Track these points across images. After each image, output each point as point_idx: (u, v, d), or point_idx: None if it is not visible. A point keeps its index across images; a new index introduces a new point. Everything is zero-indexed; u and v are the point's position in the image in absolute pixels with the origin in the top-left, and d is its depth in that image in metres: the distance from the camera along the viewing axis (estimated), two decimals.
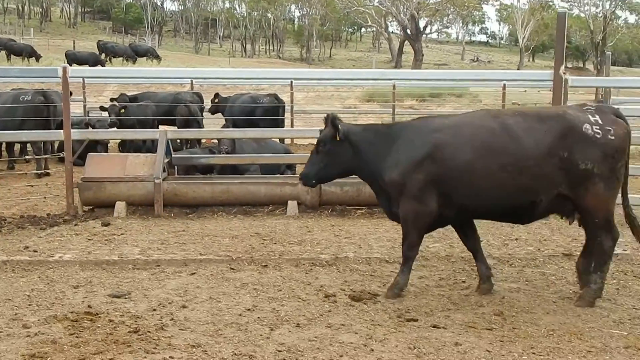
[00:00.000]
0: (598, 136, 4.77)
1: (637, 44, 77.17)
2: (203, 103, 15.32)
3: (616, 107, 5.49)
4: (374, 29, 69.34)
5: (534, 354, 4.05)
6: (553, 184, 4.81)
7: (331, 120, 5.20)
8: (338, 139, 5.16)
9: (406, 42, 59.31)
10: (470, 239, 5.36)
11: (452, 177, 4.87)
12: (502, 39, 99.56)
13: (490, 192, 4.87)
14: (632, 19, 72.08)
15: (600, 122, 4.83)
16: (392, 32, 67.52)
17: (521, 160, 4.77)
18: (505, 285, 5.45)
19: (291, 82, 17.27)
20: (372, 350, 4.08)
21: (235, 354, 4.01)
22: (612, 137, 4.79)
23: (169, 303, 4.96)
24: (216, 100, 15.05)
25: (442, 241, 6.84)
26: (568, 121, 4.82)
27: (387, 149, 5.07)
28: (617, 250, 6.59)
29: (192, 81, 16.89)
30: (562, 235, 7.21)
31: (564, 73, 8.51)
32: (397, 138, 5.09)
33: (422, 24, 59.99)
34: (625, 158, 4.94)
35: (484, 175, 4.81)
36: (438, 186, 4.91)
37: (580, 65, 76.31)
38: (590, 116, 4.86)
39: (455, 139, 4.91)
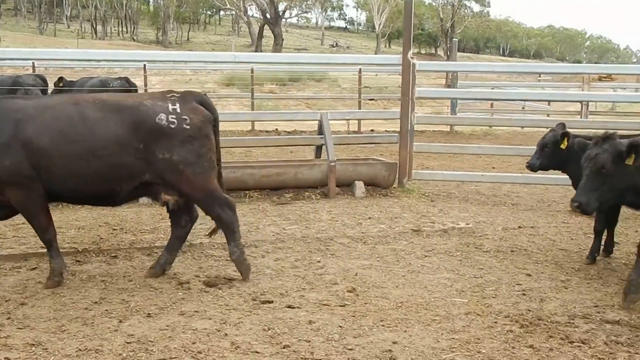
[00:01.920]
0: (173, 125, 4.78)
1: (482, 32, 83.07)
2: (47, 87, 14.30)
3: (203, 93, 5.41)
4: (233, 12, 68.52)
5: (383, 326, 4.20)
6: (134, 173, 4.78)
7: None
8: None
9: (266, 26, 59.25)
10: None
11: (34, 162, 4.65)
12: (360, 25, 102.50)
13: (68, 179, 4.75)
14: (477, 8, 77.22)
15: (178, 111, 4.86)
16: (252, 15, 67.20)
17: (95, 150, 4.67)
18: (358, 263, 5.61)
19: (144, 65, 16.63)
20: (226, 334, 4.02)
21: (80, 350, 3.77)
22: (188, 126, 4.81)
23: (6, 301, 4.57)
24: (61, 84, 14.06)
25: (299, 223, 6.92)
26: (142, 112, 4.76)
27: None
28: (461, 224, 7.07)
29: (34, 63, 15.70)
30: (411, 213, 7.56)
31: (412, 58, 8.90)
32: None
33: (281, 8, 60.22)
34: (211, 142, 4.99)
35: (61, 162, 4.68)
36: (30, 166, 4.66)
37: (433, 51, 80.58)
38: (170, 105, 4.84)
39: (36, 122, 4.70)
